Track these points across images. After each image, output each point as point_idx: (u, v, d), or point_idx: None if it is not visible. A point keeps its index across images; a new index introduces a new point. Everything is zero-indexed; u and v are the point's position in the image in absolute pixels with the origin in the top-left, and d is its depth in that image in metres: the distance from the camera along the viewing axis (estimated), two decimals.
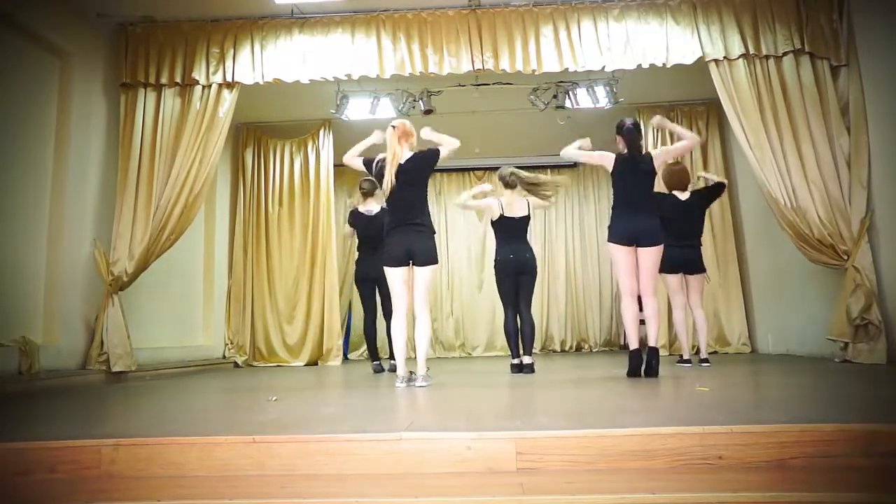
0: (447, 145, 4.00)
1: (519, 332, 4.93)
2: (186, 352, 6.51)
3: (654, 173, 4.23)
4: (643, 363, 4.07)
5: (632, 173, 4.20)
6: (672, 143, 4.82)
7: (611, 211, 4.31)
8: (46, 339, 4.88)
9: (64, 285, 5.04)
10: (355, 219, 5.63)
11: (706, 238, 5.88)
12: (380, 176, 4.03)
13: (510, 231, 4.99)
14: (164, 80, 5.56)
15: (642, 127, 6.93)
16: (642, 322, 4.24)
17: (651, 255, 4.13)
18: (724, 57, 5.32)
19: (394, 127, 4.01)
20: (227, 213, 7.64)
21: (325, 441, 2.05)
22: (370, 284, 5.56)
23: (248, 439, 2.06)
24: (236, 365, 7.15)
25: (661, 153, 4.36)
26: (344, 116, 6.84)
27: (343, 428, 2.24)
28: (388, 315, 5.32)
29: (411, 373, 3.94)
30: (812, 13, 5.28)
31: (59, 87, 5.24)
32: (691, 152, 7.36)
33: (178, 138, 5.50)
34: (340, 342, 7.45)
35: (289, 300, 7.51)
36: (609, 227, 4.24)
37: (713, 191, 5.28)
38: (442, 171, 8.73)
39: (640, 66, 5.38)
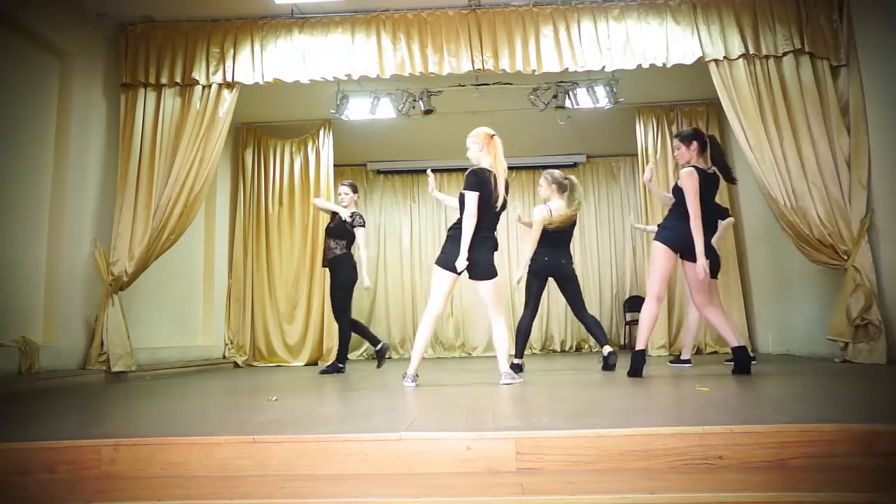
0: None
1: (529, 334, 4.99)
2: (186, 352, 6.51)
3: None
4: (645, 363, 4.09)
5: (709, 187, 4.04)
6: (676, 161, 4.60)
7: (669, 212, 4.17)
8: (46, 339, 4.89)
9: (64, 285, 5.05)
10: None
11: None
12: (482, 185, 3.79)
13: (553, 237, 4.88)
14: (164, 80, 5.57)
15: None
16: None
17: (693, 268, 4.03)
18: (724, 57, 5.31)
19: (492, 136, 3.89)
20: (227, 213, 7.64)
21: (325, 441, 2.05)
22: (353, 286, 5.60)
23: (247, 439, 2.06)
24: (236, 365, 7.15)
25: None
26: (344, 116, 6.85)
27: (343, 428, 2.24)
28: (338, 312, 5.52)
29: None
30: (812, 13, 5.28)
31: (59, 87, 5.24)
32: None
33: (178, 138, 5.51)
34: None
35: (289, 300, 7.52)
36: (663, 227, 4.11)
37: None
38: (442, 170, 8.73)
39: (640, 66, 5.38)
